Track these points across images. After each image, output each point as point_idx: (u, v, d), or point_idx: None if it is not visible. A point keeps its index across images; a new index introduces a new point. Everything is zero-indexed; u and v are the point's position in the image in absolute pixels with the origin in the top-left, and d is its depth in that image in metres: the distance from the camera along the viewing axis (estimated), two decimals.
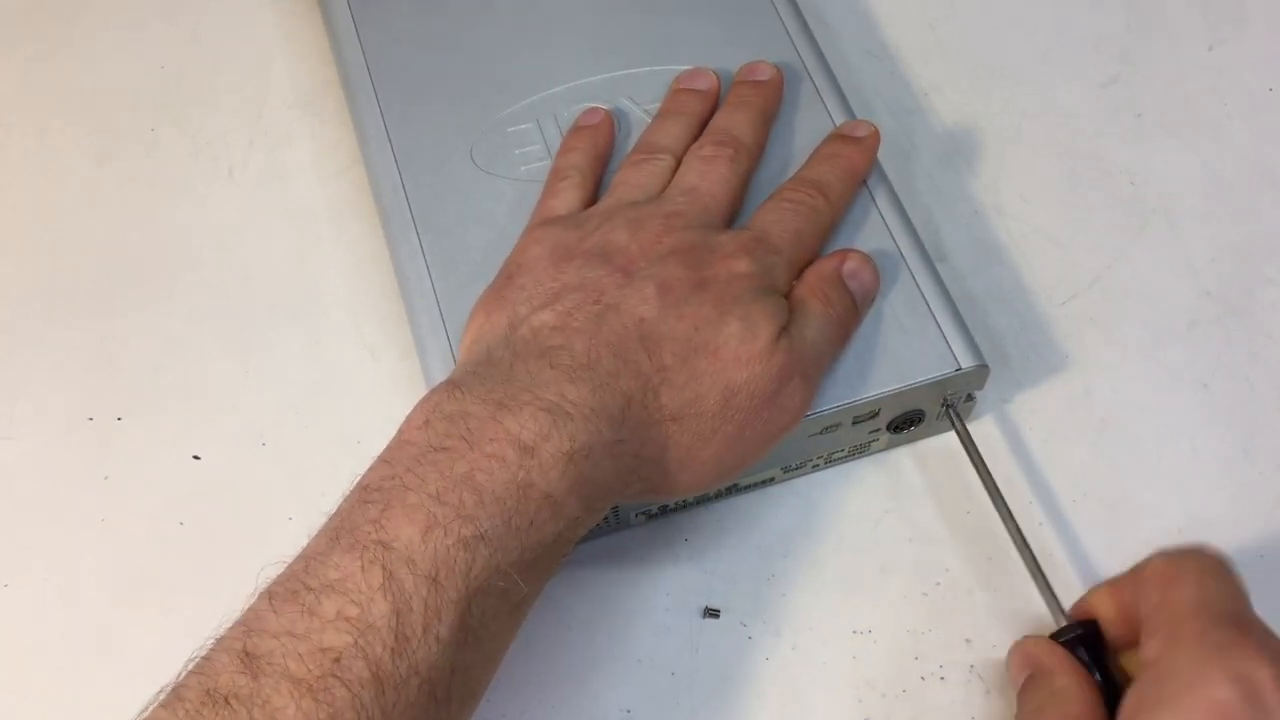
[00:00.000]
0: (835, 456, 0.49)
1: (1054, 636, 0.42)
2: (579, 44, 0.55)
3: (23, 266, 0.55)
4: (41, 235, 0.56)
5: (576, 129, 0.51)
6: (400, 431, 0.39)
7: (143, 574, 0.48)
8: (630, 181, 0.48)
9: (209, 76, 0.61)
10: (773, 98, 0.52)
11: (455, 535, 0.36)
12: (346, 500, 0.38)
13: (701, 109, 0.51)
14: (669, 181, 0.48)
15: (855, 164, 0.49)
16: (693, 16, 0.56)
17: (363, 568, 0.35)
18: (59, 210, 0.57)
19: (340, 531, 0.37)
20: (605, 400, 0.40)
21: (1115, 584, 0.41)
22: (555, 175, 0.50)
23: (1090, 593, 0.42)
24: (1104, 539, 0.48)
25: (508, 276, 0.45)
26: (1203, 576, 0.39)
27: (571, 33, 0.55)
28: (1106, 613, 0.41)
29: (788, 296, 0.45)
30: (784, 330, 0.43)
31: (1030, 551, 0.44)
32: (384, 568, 0.35)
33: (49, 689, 0.46)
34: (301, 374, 0.52)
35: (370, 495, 0.37)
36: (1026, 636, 0.43)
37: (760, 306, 0.43)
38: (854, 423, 0.47)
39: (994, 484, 0.45)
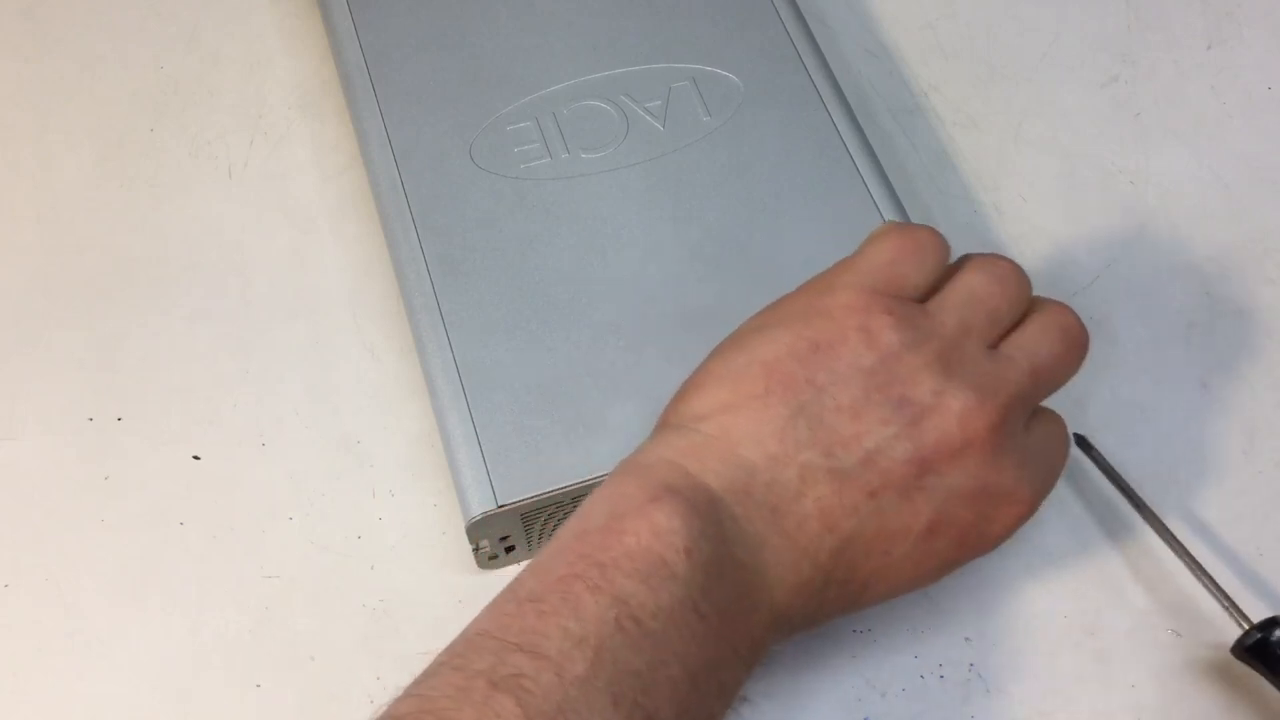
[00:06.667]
0: None
1: (1240, 642, 0.42)
2: (578, 42, 0.55)
3: (23, 266, 0.55)
4: (41, 235, 0.56)
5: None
6: (648, 514, 0.36)
7: (143, 574, 0.48)
8: (984, 295, 0.41)
9: (209, 76, 0.61)
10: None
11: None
12: (593, 577, 0.35)
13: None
14: (1021, 335, 0.41)
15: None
16: (692, 15, 0.56)
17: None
18: (59, 210, 0.57)
19: (614, 689, 0.33)
20: (804, 624, 0.39)
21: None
22: (920, 229, 0.42)
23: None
24: (1103, 539, 0.48)
25: (813, 347, 0.39)
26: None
27: (570, 31, 0.55)
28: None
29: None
30: None
31: (1185, 550, 0.44)
32: None
33: (49, 689, 0.46)
34: (301, 374, 0.52)
35: (631, 624, 0.34)
36: None
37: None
38: None
39: None
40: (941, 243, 0.42)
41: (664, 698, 0.34)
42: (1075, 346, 0.42)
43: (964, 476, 0.38)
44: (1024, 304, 0.42)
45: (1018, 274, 0.42)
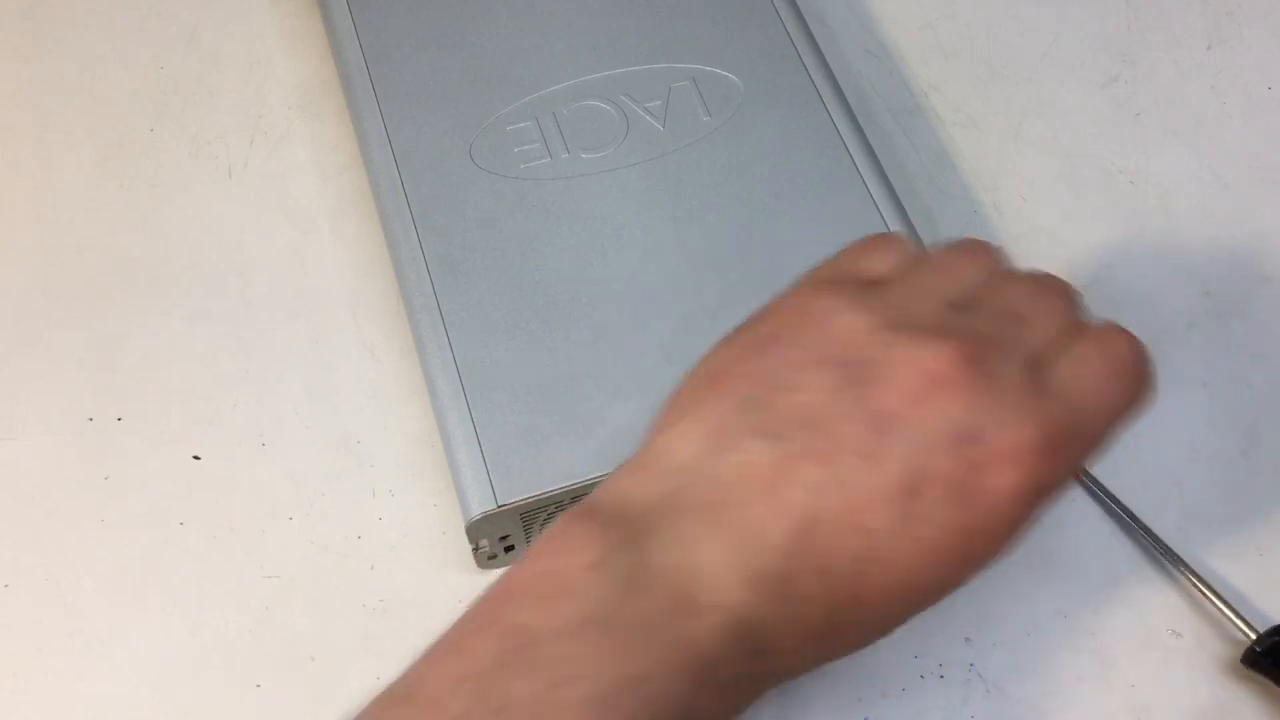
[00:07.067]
0: None
1: (1252, 649, 0.42)
2: (578, 42, 0.55)
3: (23, 267, 0.55)
4: (41, 235, 0.56)
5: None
6: (556, 541, 0.34)
7: (143, 574, 0.48)
8: (950, 266, 0.38)
9: (209, 76, 0.61)
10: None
11: None
12: (486, 617, 0.34)
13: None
14: (994, 291, 0.38)
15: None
16: (692, 15, 0.56)
17: None
18: (59, 210, 0.57)
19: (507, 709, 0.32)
20: (787, 632, 0.34)
21: None
22: (881, 235, 0.41)
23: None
24: (1103, 539, 0.48)
25: (757, 344, 0.37)
26: None
27: (570, 31, 0.56)
28: None
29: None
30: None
31: (1181, 561, 0.45)
32: None
33: (49, 689, 0.46)
34: (301, 374, 0.52)
35: (521, 652, 0.32)
36: None
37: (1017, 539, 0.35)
38: None
39: None
40: (903, 238, 0.40)
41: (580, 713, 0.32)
42: (1063, 298, 0.38)
43: (933, 421, 0.34)
44: (1058, 315, 0.37)
45: (1050, 283, 0.39)
